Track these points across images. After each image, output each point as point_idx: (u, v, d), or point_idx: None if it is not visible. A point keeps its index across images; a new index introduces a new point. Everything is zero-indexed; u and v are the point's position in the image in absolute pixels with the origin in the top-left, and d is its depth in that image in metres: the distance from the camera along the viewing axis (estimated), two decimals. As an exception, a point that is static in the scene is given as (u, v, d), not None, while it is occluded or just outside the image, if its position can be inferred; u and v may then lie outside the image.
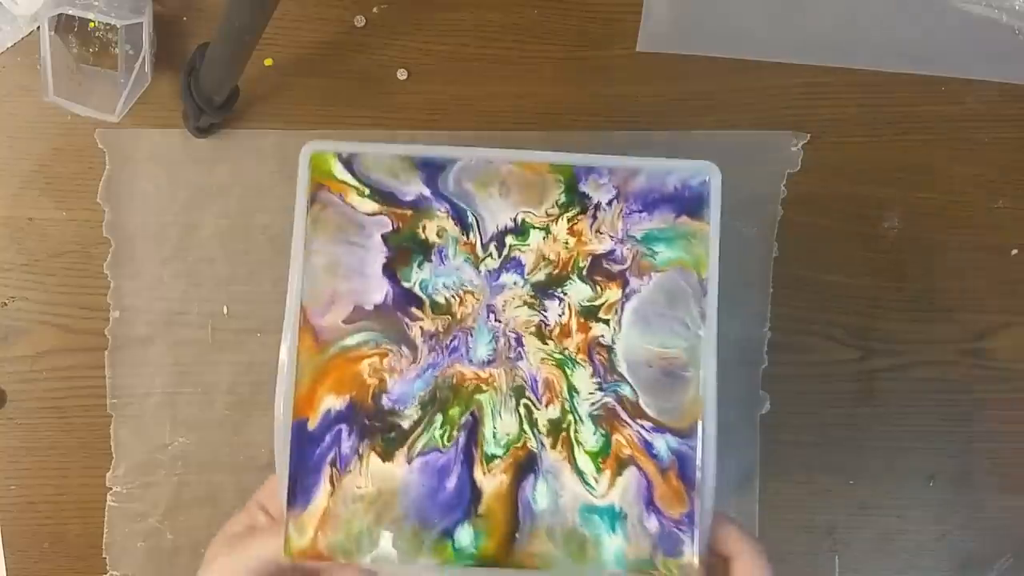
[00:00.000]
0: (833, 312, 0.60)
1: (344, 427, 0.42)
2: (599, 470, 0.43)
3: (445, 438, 0.43)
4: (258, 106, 0.57)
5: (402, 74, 0.58)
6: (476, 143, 0.53)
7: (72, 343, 0.56)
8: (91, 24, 0.55)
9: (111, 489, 0.57)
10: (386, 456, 0.42)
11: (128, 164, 0.57)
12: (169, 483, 0.57)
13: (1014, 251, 0.61)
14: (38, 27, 0.54)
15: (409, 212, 0.43)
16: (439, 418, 0.43)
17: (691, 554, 0.42)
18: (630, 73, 0.58)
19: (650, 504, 0.43)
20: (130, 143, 0.57)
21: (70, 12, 0.52)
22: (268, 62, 0.57)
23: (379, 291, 0.43)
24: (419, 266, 0.43)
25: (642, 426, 0.44)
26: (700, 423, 0.44)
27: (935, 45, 0.59)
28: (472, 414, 0.43)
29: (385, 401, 0.42)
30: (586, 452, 0.44)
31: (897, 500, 0.60)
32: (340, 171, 0.43)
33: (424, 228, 0.43)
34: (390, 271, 0.43)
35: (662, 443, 0.44)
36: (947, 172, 0.60)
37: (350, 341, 0.42)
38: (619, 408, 0.44)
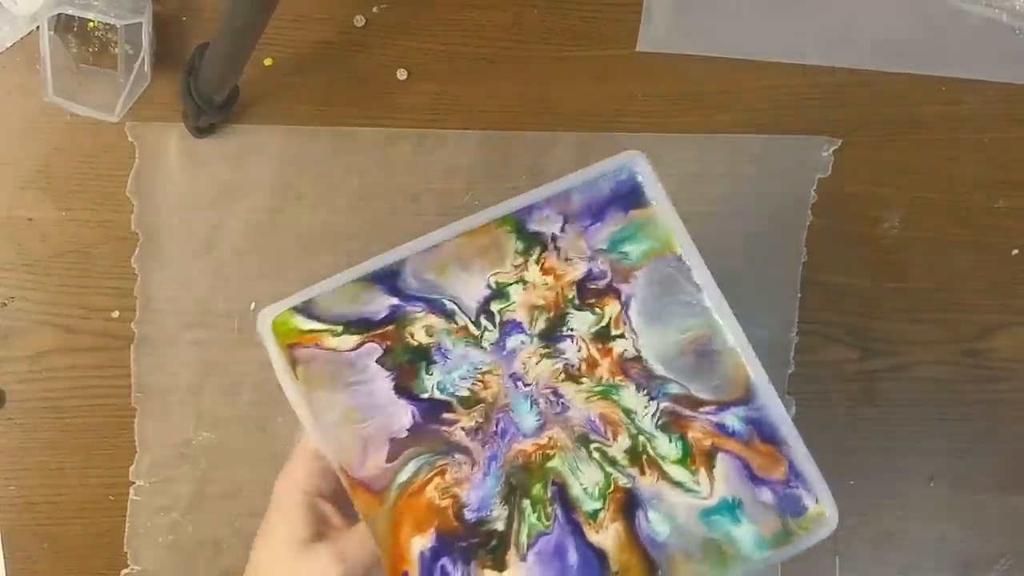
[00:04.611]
0: (833, 312, 0.60)
1: (446, 560, 0.40)
2: (694, 472, 0.43)
3: (544, 518, 0.41)
4: (258, 106, 0.57)
5: (402, 74, 0.58)
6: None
7: (72, 343, 0.56)
8: (91, 24, 0.55)
9: (134, 483, 0.57)
10: (499, 566, 0.40)
11: (158, 158, 0.56)
12: (192, 478, 0.57)
13: (1014, 251, 0.61)
14: (38, 27, 0.54)
15: (391, 327, 0.42)
16: (527, 503, 0.41)
17: (814, 503, 0.43)
18: (630, 73, 0.58)
19: (755, 479, 0.43)
20: (161, 137, 0.56)
21: (70, 12, 0.52)
22: (268, 62, 0.57)
23: (404, 414, 0.42)
24: (427, 372, 0.42)
25: (706, 412, 0.43)
26: (751, 382, 0.43)
27: (935, 45, 0.59)
28: (554, 483, 0.42)
29: (468, 514, 0.41)
30: (673, 463, 0.43)
31: (897, 500, 0.60)
32: (304, 322, 0.42)
33: (412, 335, 0.43)
34: (403, 390, 0.42)
35: (732, 419, 0.43)
36: (947, 172, 0.60)
37: (404, 476, 0.41)
38: (677, 407, 0.43)
